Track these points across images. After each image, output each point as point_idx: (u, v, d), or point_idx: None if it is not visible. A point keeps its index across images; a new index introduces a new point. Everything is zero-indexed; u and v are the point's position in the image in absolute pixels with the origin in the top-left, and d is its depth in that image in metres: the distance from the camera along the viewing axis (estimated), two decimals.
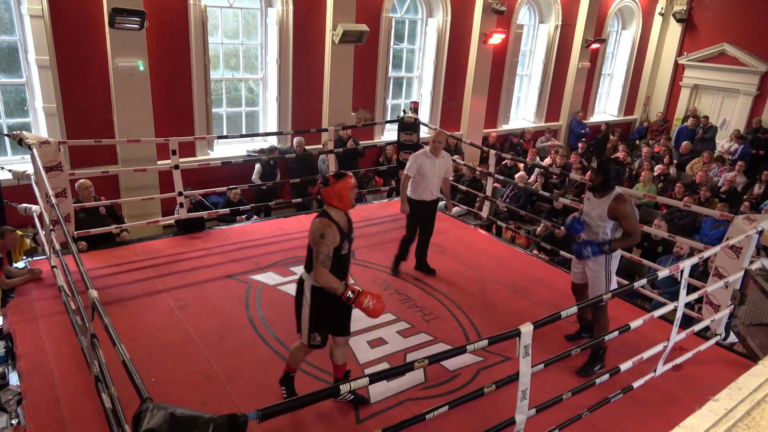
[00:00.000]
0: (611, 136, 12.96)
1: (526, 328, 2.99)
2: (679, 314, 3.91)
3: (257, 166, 8.37)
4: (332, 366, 3.87)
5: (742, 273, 4.41)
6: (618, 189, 4.18)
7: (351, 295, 3.35)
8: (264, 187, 8.17)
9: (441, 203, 6.08)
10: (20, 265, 5.50)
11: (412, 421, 3.01)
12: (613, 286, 4.30)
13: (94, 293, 3.10)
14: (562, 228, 6.63)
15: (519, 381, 3.10)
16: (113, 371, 3.01)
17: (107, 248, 6.03)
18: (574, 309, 3.42)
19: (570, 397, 3.52)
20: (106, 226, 6.10)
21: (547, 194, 7.55)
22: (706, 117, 12.72)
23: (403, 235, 5.82)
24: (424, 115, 10.68)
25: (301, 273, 3.61)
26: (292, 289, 4.53)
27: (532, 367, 3.13)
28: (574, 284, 4.67)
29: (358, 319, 4.92)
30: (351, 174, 3.52)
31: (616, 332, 3.65)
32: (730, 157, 11.21)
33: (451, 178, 5.94)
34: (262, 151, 8.63)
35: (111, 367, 3.07)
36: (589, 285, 4.41)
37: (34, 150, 5.20)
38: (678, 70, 14.36)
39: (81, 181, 6.01)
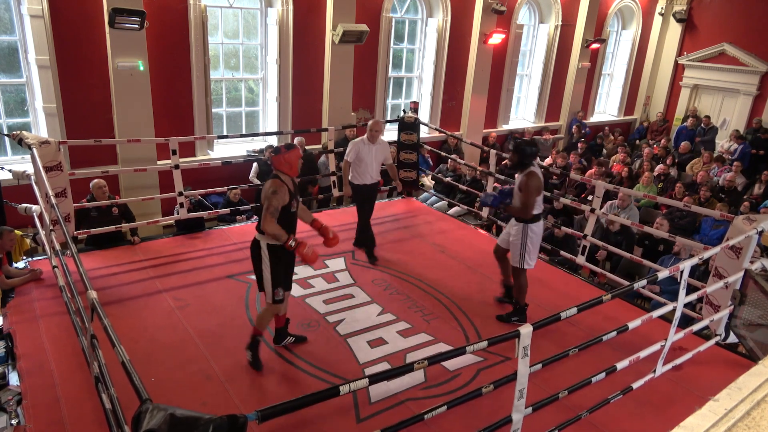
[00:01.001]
0: (611, 136, 12.95)
1: (526, 330, 2.99)
2: (677, 314, 3.91)
3: (254, 165, 8.38)
4: (275, 318, 4.36)
5: (742, 273, 4.41)
6: (533, 167, 4.63)
7: (293, 244, 3.89)
8: None
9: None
10: (20, 265, 5.51)
11: (411, 422, 3.01)
12: (528, 263, 4.79)
13: (93, 294, 3.10)
14: (562, 228, 6.65)
15: (516, 381, 3.10)
16: (113, 372, 3.00)
17: (109, 248, 6.03)
18: (574, 310, 3.42)
19: (567, 395, 3.53)
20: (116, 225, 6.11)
21: (547, 194, 7.51)
22: (708, 117, 12.70)
23: (357, 221, 6.21)
24: (424, 115, 10.67)
25: (255, 235, 4.08)
26: (293, 289, 4.57)
27: (530, 367, 3.13)
28: (497, 246, 5.16)
29: (357, 319, 4.96)
30: (298, 146, 4.14)
31: (614, 332, 3.65)
32: (730, 157, 11.20)
33: (391, 163, 6.36)
34: (261, 151, 8.64)
35: (111, 367, 3.07)
36: (511, 250, 4.91)
37: (34, 150, 5.21)
38: (678, 70, 14.35)
39: (95, 180, 6.02)
